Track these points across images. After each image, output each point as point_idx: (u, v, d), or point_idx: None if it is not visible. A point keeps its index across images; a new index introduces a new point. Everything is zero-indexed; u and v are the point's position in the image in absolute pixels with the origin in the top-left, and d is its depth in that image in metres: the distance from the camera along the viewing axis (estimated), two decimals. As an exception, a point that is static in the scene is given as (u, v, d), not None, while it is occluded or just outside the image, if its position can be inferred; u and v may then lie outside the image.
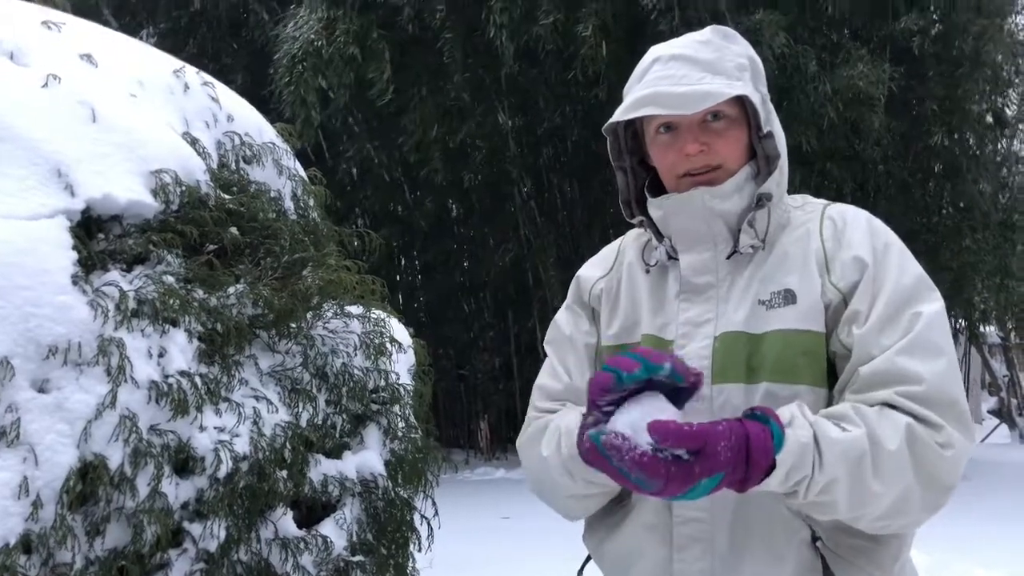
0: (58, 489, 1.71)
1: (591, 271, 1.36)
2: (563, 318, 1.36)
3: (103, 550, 1.78)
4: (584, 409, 1.09)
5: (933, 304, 1.12)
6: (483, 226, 7.93)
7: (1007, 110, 8.09)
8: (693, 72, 1.17)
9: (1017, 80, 7.95)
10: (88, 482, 1.78)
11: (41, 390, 1.77)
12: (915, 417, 1.04)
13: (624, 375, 1.02)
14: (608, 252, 1.38)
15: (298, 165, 3.09)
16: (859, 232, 1.17)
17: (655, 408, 1.01)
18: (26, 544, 1.66)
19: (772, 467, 1.00)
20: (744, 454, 0.99)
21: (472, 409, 8.32)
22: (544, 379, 1.33)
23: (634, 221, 1.30)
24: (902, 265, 1.15)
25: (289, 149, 3.07)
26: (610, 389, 1.03)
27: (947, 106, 6.96)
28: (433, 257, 8.16)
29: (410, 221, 7.67)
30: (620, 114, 1.19)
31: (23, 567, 1.64)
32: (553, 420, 1.25)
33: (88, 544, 1.76)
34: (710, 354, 1.16)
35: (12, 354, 1.73)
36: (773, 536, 1.12)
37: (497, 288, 7.61)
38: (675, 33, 1.50)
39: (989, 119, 7.79)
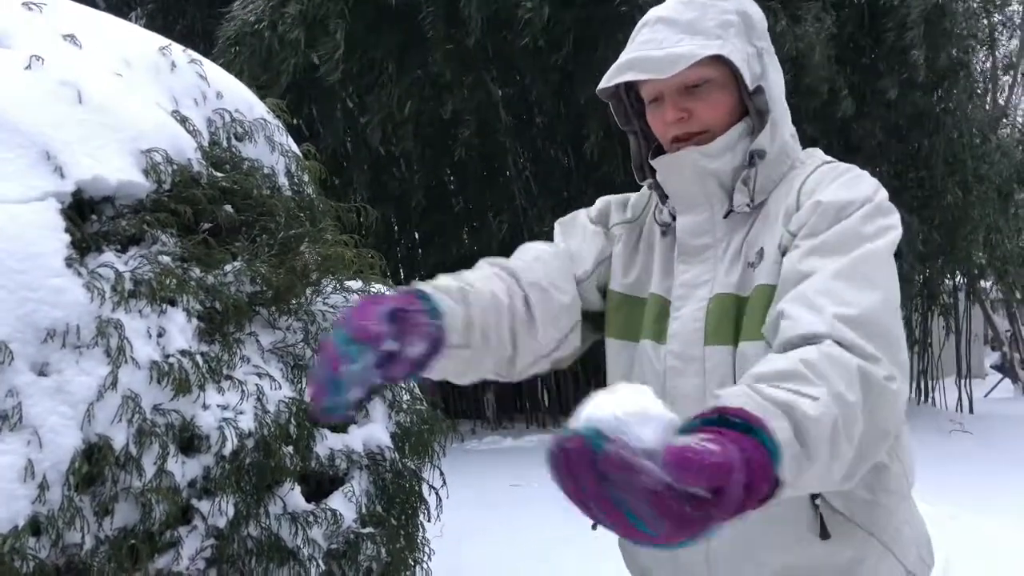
0: (64, 471, 1.71)
1: (618, 210, 1.30)
2: (584, 218, 1.30)
3: (113, 530, 1.79)
4: None
5: (882, 237, 1.05)
6: (479, 197, 7.88)
7: (976, 64, 7.98)
8: (672, 35, 1.14)
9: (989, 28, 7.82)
10: (94, 463, 1.78)
11: (41, 373, 1.77)
12: (858, 350, 0.93)
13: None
14: (637, 200, 1.32)
15: (291, 141, 3.06)
16: (835, 184, 1.11)
17: (664, 422, 0.73)
18: (35, 526, 1.67)
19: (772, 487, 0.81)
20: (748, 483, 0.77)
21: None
22: (538, 243, 1.27)
23: (645, 184, 1.28)
24: (853, 190, 1.08)
25: (281, 125, 3.04)
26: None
27: (930, 61, 6.84)
28: (432, 230, 8.13)
29: (406, 196, 7.63)
30: (603, 81, 1.17)
31: (32, 549, 1.65)
32: (466, 273, 1.16)
33: (97, 524, 1.77)
34: (703, 315, 1.15)
35: (10, 338, 1.72)
36: None
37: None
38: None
39: (976, 72, 7.70)
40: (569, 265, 1.25)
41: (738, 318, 1.12)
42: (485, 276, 1.16)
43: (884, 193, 1.13)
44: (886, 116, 7.14)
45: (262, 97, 3.15)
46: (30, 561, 1.63)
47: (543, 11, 6.08)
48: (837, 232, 1.04)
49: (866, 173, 1.17)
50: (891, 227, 1.08)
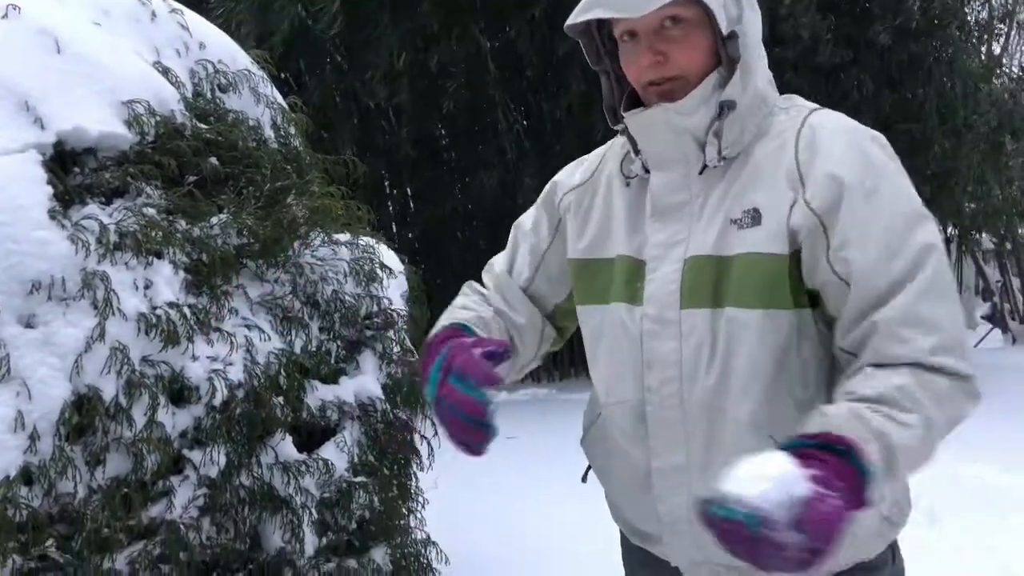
0: (54, 421, 1.72)
1: (567, 178, 1.32)
2: (530, 214, 1.36)
3: (105, 479, 1.81)
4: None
5: (936, 234, 1.07)
6: (470, 151, 7.82)
7: (970, 14, 7.86)
8: None
9: None
10: (84, 414, 1.79)
11: (28, 325, 1.77)
12: (948, 374, 1.03)
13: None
14: (591, 160, 1.33)
15: (276, 92, 3.02)
16: (839, 145, 1.07)
17: (795, 483, 0.88)
18: (26, 476, 1.68)
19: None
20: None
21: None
22: (499, 256, 1.38)
23: (617, 128, 1.24)
24: (898, 185, 1.08)
25: (266, 76, 3.00)
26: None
27: (924, 9, 6.74)
28: (423, 185, 8.08)
29: (396, 150, 7.56)
30: (572, 18, 1.13)
31: (25, 498, 1.66)
32: (468, 301, 1.32)
33: (89, 474, 1.79)
34: (679, 278, 1.12)
35: (-5, 291, 1.72)
36: (746, 442, 1.08)
37: (489, 215, 7.55)
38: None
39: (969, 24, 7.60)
40: (513, 284, 1.33)
41: (717, 280, 1.10)
42: (478, 302, 1.32)
43: (887, 146, 1.13)
44: (877, 65, 7.05)
45: (260, 48, 3.11)
46: (23, 510, 1.65)
47: None
48: (899, 241, 1.05)
49: (859, 125, 1.14)
50: (931, 216, 1.11)
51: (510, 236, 1.37)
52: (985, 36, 8.21)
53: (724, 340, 1.09)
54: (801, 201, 1.05)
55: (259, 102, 2.85)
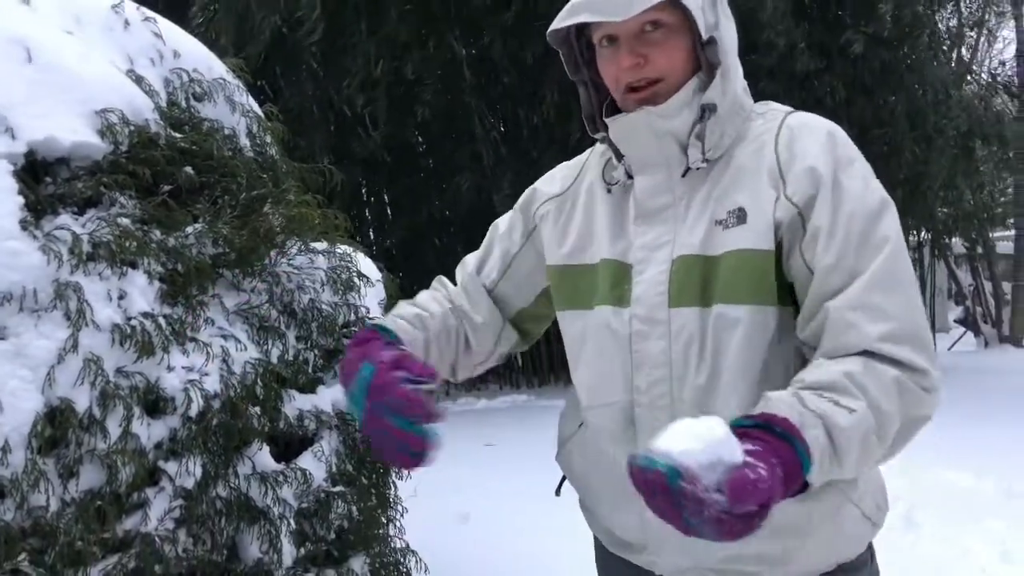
0: (26, 434, 1.70)
1: (546, 187, 1.35)
2: (507, 217, 1.38)
3: (79, 492, 1.79)
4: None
5: (897, 229, 1.09)
6: (447, 159, 7.83)
7: (940, 20, 8.00)
8: None
9: None
10: (57, 426, 1.77)
11: (-1, 337, 1.75)
12: (899, 364, 1.03)
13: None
14: (570, 168, 1.35)
15: (252, 101, 3.01)
16: (816, 142, 1.12)
17: (727, 449, 0.89)
18: (-2, 490, 1.66)
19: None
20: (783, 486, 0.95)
21: (450, 343, 8.35)
22: (472, 254, 1.39)
23: (597, 136, 1.27)
24: (866, 180, 1.11)
25: (241, 85, 2.98)
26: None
27: (869, 14, 6.83)
28: (401, 192, 8.07)
29: (373, 158, 7.55)
30: (556, 22, 1.14)
31: (-3, 512, 1.64)
32: (425, 296, 1.35)
33: (63, 486, 1.76)
34: (666, 279, 1.14)
35: (-35, 302, 1.70)
36: None
37: (466, 221, 7.56)
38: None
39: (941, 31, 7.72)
40: (479, 283, 1.36)
41: (705, 279, 1.12)
42: (436, 298, 1.35)
43: (850, 140, 1.15)
44: (849, 73, 7.16)
45: (239, 57, 3.09)
46: (-5, 524, 1.63)
47: None
48: (859, 232, 1.07)
49: (830, 122, 1.17)
50: (896, 215, 1.12)
51: (487, 236, 1.39)
52: (955, 43, 8.35)
53: (713, 338, 1.11)
54: (783, 197, 1.09)
55: (235, 111, 2.83)
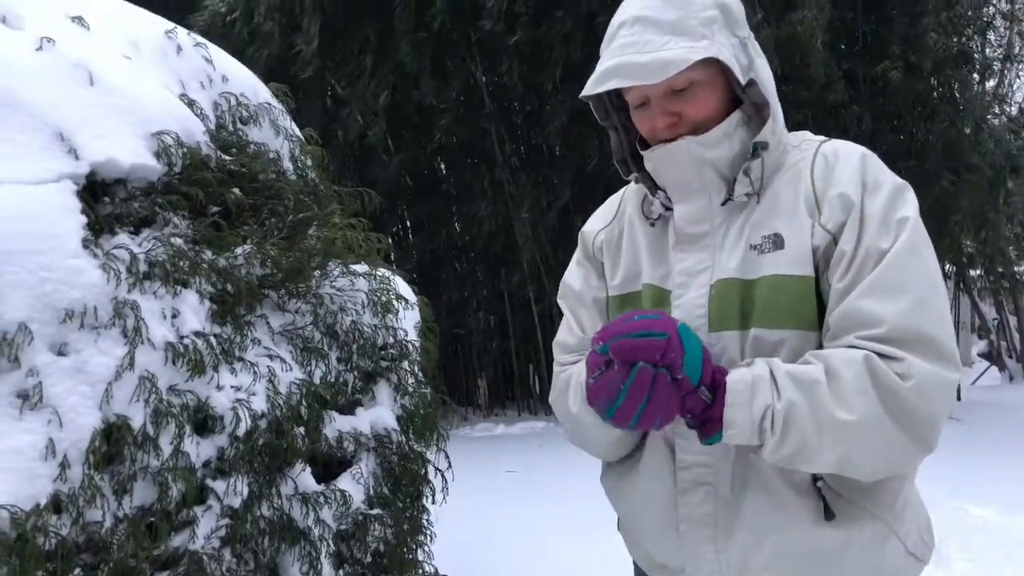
0: (84, 450, 1.72)
1: (593, 224, 1.37)
2: (573, 273, 1.37)
3: (131, 508, 1.80)
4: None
5: (903, 240, 1.09)
6: (469, 185, 7.89)
7: (976, 51, 8.01)
8: (656, 37, 1.12)
9: (980, 16, 7.86)
10: (112, 442, 1.79)
11: (60, 353, 1.78)
12: (875, 353, 1.03)
13: (599, 347, 1.08)
14: (610, 205, 1.38)
15: (294, 125, 3.07)
16: (849, 168, 1.14)
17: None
18: (56, 504, 1.68)
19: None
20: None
21: (469, 367, 8.36)
22: (562, 335, 1.36)
23: (630, 178, 1.30)
24: (890, 204, 1.11)
25: (284, 109, 3.04)
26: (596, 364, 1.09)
27: (917, 45, 6.84)
28: (423, 217, 8.13)
29: (393, 183, 7.62)
30: (589, 88, 1.16)
31: (54, 526, 1.66)
32: (573, 375, 1.27)
33: (117, 503, 1.78)
34: (706, 302, 1.16)
35: (30, 319, 1.73)
36: (773, 479, 1.12)
37: (487, 246, 7.60)
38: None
39: (971, 62, 7.74)
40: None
41: (743, 302, 1.14)
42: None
43: (880, 162, 1.18)
44: (879, 103, 7.17)
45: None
46: (52, 539, 1.65)
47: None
48: (875, 261, 1.09)
49: (862, 147, 1.20)
50: (909, 202, 1.13)
51: (563, 306, 1.38)
52: (985, 75, 8.35)
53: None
54: (818, 224, 1.12)
55: (279, 134, 2.89)
